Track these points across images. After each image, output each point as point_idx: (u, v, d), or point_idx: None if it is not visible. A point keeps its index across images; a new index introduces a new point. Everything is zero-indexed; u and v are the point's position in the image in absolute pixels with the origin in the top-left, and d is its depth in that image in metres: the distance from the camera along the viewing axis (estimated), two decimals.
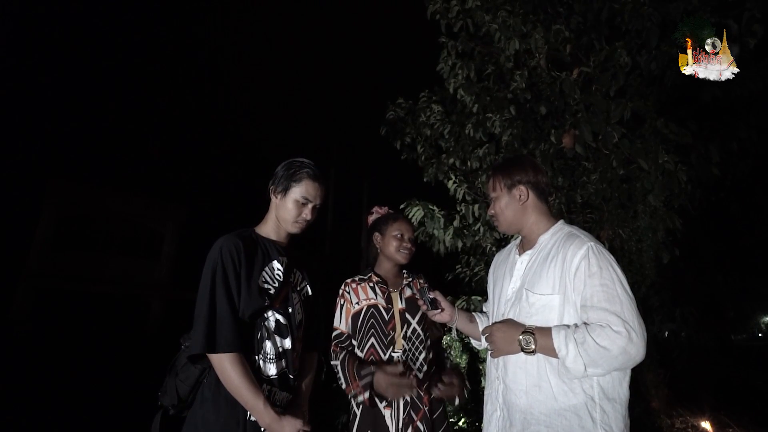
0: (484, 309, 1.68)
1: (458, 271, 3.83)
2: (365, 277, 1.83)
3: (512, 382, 1.29)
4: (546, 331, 1.20)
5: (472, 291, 3.74)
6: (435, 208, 3.56)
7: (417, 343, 1.72)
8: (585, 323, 1.18)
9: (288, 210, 1.48)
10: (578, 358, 1.13)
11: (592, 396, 1.19)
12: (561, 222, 1.41)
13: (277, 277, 1.44)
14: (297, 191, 1.48)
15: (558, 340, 1.16)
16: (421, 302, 1.59)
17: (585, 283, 1.21)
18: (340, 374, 1.63)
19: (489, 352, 1.38)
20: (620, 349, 1.11)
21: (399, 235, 1.82)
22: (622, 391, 1.22)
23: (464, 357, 3.93)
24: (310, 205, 1.50)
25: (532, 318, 1.28)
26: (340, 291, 1.80)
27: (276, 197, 1.51)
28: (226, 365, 1.25)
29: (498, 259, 1.62)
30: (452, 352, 3.91)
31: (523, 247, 1.45)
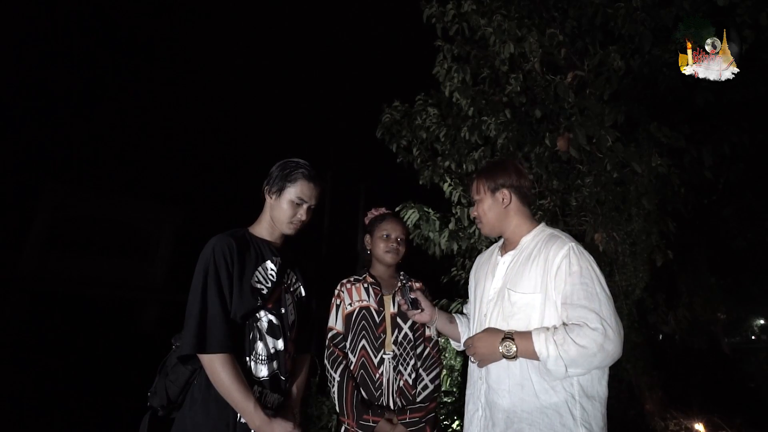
0: (465, 311, 1.69)
1: (453, 274, 3.82)
2: (360, 278, 1.83)
3: (495, 382, 1.30)
4: (526, 335, 1.21)
5: (467, 293, 3.74)
6: (430, 210, 3.56)
7: (408, 348, 1.72)
8: (564, 324, 1.20)
9: (283, 210, 1.47)
10: (559, 359, 1.15)
11: (573, 394, 1.20)
12: (542, 225, 1.44)
13: (270, 277, 1.43)
14: (292, 191, 1.47)
15: (538, 342, 1.18)
16: (402, 302, 1.58)
17: (565, 281, 1.23)
18: (335, 392, 1.64)
19: (473, 363, 1.39)
20: (598, 346, 1.13)
21: (385, 236, 1.81)
22: (601, 389, 1.25)
23: (459, 359, 3.93)
24: (305, 206, 1.49)
25: (514, 317, 1.29)
26: (336, 291, 1.81)
27: (270, 197, 1.49)
28: (216, 366, 1.24)
29: (480, 260, 1.64)
30: (447, 354, 3.90)
31: (505, 248, 1.47)
